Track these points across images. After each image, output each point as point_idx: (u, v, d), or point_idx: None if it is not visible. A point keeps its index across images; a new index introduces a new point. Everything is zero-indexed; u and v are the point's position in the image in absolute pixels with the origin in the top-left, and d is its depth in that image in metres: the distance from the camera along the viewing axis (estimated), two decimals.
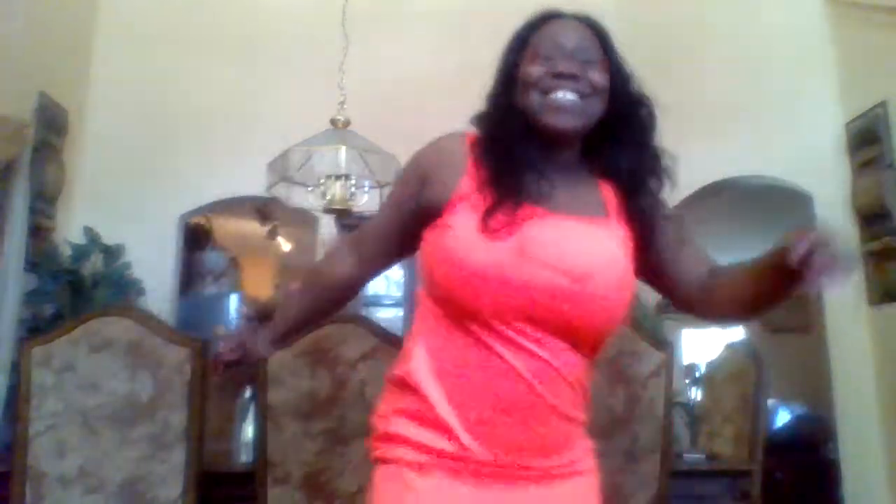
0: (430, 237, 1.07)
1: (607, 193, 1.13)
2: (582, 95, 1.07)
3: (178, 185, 4.08)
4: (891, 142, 2.85)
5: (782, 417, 5.70)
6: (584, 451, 1.11)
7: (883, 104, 2.88)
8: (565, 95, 1.06)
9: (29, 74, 3.44)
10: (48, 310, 3.38)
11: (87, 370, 1.94)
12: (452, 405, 1.02)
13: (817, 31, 3.24)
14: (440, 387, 1.03)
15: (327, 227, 4.17)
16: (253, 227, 5.84)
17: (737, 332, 7.15)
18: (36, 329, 3.14)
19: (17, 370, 2.00)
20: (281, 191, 3.10)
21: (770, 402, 3.24)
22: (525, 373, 1.01)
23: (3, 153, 3.14)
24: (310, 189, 3.06)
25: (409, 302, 3.96)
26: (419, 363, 1.06)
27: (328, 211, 3.07)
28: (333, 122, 3.01)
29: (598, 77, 1.08)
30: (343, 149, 2.90)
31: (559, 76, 1.07)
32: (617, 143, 1.13)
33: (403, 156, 3.27)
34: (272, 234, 5.99)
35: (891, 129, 2.85)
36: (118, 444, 1.91)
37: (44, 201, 3.53)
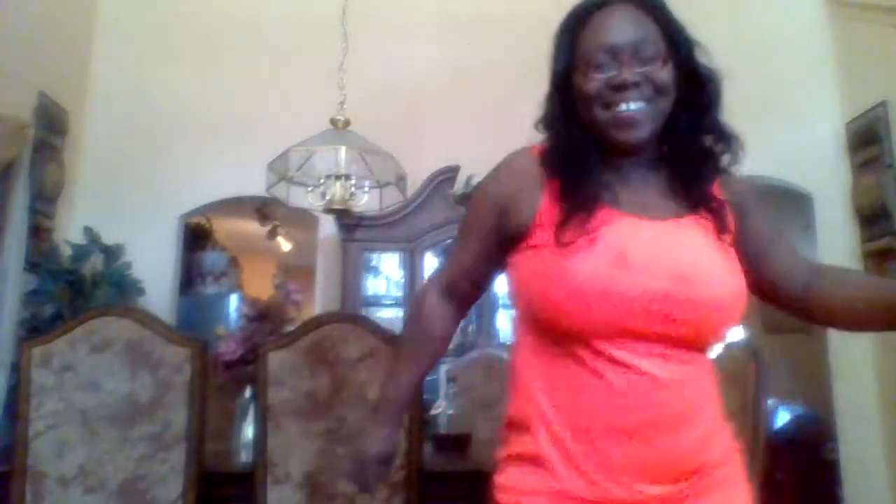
0: (520, 261, 1.02)
1: (688, 185, 1.06)
2: (648, 100, 1.00)
3: (178, 185, 4.09)
4: (891, 142, 2.84)
5: (782, 417, 5.70)
6: (722, 467, 1.03)
7: (883, 104, 2.88)
8: (629, 107, 0.99)
9: (29, 74, 3.44)
10: (48, 310, 3.38)
11: (87, 370, 1.94)
12: (558, 438, 0.98)
13: (817, 31, 3.24)
14: (547, 420, 0.99)
15: (327, 227, 4.17)
16: (253, 227, 5.84)
17: (737, 332, 7.16)
18: (36, 329, 3.14)
19: (17, 370, 2.00)
20: (281, 191, 3.10)
21: (770, 402, 3.23)
22: (633, 391, 0.95)
23: (3, 153, 3.14)
24: (310, 189, 3.05)
25: (409, 302, 3.96)
26: (527, 399, 1.02)
27: (328, 211, 3.07)
28: (333, 122, 3.00)
29: (661, 75, 1.00)
30: (343, 149, 2.90)
31: (619, 87, 0.98)
32: (684, 124, 1.06)
33: (403, 156, 3.28)
34: (272, 234, 5.99)
35: (891, 129, 2.85)
36: (118, 444, 1.91)
37: (44, 201, 3.54)
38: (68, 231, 3.78)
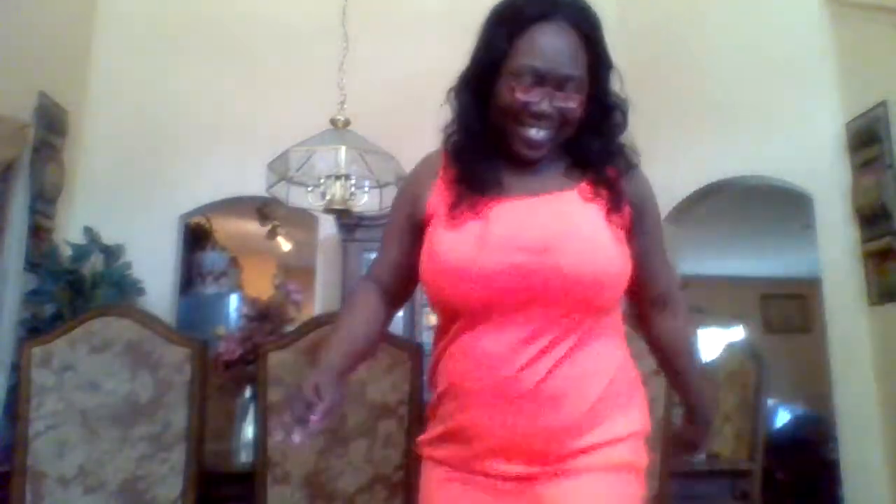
0: (422, 248, 1.13)
1: (585, 168, 1.15)
2: (555, 129, 1.10)
3: (178, 185, 4.08)
4: (891, 142, 2.84)
5: (782, 417, 5.71)
6: (610, 438, 1.06)
7: (883, 104, 2.88)
8: (538, 133, 1.09)
9: (29, 74, 3.44)
10: (48, 310, 3.38)
11: (87, 370, 1.94)
12: (448, 404, 1.09)
13: (817, 31, 3.24)
14: (440, 387, 1.11)
15: (327, 227, 4.17)
16: (253, 227, 5.84)
17: (737, 332, 7.17)
18: (36, 329, 3.14)
19: (17, 370, 2.00)
20: (281, 191, 3.09)
21: (770, 402, 3.23)
22: (510, 355, 1.02)
23: (3, 153, 3.14)
24: (310, 189, 3.05)
25: (408, 301, 3.95)
26: (428, 372, 1.17)
27: (328, 211, 3.07)
28: (333, 122, 3.00)
29: (574, 112, 1.09)
30: (343, 149, 2.89)
31: (535, 115, 1.08)
32: (587, 135, 1.14)
33: (403, 156, 3.28)
34: (272, 234, 5.99)
35: (891, 129, 2.85)
36: (118, 444, 1.91)
37: (44, 201, 3.53)
38: (68, 231, 3.78)
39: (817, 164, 3.21)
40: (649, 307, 1.25)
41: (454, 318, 1.08)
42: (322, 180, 2.96)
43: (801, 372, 5.89)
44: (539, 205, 1.08)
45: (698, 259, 5.96)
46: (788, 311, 7.62)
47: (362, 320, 1.21)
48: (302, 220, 4.49)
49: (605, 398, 1.06)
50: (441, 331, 1.12)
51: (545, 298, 1.02)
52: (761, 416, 2.75)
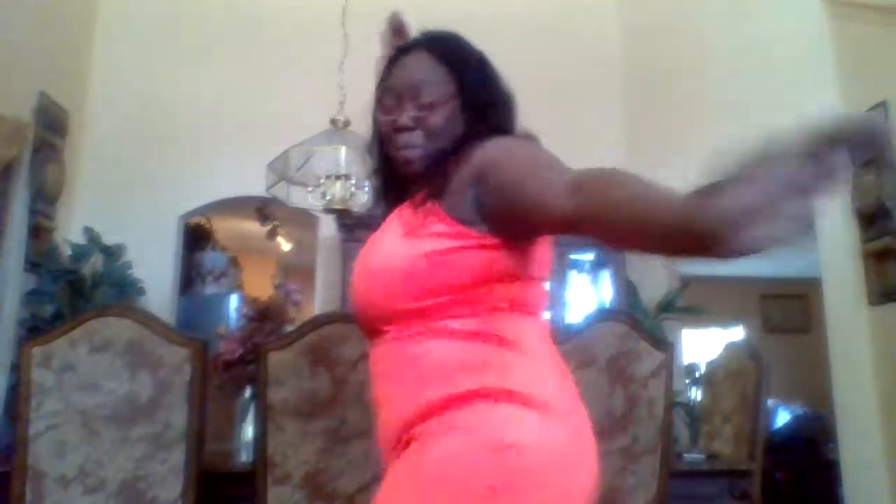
0: None
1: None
2: (421, 143, 1.14)
3: (178, 185, 4.09)
4: (891, 142, 2.85)
5: (782, 417, 5.71)
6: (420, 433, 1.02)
7: (883, 104, 2.88)
8: (406, 146, 1.15)
9: (29, 74, 3.44)
10: (48, 310, 3.38)
11: (87, 370, 1.93)
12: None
13: (817, 31, 3.24)
14: None
15: (327, 227, 4.17)
16: (253, 227, 5.85)
17: (737, 332, 7.17)
18: (36, 329, 3.14)
19: (17, 370, 2.00)
20: (281, 191, 3.10)
21: (770, 402, 3.23)
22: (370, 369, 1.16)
23: (3, 153, 3.14)
24: (310, 189, 3.05)
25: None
26: None
27: (328, 211, 3.07)
28: (333, 122, 3.00)
29: (434, 119, 1.13)
30: (343, 149, 2.90)
31: (397, 130, 1.15)
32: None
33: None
34: (272, 234, 6.00)
35: (891, 129, 2.85)
36: (118, 444, 1.91)
37: (44, 201, 3.54)
38: (68, 231, 3.78)
39: None
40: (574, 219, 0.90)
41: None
42: (322, 180, 2.96)
43: (801, 372, 5.89)
44: (373, 238, 1.20)
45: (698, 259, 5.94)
46: (788, 311, 7.61)
47: None
48: (302, 220, 4.50)
49: (417, 397, 1.04)
50: None
51: (358, 314, 1.17)
52: (761, 416, 2.75)
